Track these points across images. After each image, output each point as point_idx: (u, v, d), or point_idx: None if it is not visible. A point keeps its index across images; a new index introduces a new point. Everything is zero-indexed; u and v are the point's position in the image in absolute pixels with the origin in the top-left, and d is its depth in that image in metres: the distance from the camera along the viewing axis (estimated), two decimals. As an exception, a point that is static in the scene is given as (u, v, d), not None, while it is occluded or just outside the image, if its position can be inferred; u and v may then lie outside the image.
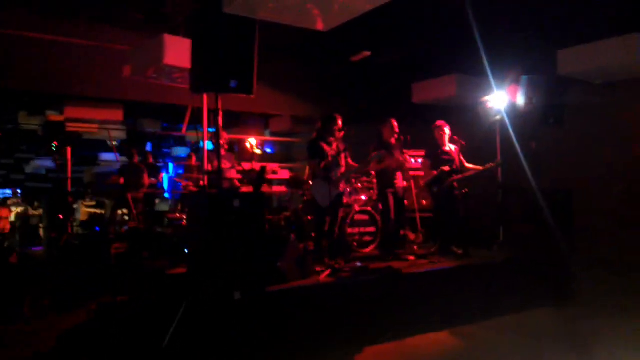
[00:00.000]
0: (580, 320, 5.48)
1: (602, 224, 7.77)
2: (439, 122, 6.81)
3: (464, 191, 6.66)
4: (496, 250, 6.87)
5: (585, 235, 7.23)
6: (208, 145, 6.05)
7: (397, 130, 6.44)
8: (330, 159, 5.82)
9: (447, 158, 6.65)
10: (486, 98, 7.46)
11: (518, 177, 7.15)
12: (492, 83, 8.05)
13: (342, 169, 5.89)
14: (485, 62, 7.39)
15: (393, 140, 6.48)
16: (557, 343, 4.85)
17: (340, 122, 5.91)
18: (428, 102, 8.76)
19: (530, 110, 7.02)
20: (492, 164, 6.60)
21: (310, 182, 5.84)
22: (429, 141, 6.92)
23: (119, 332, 4.53)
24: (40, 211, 10.73)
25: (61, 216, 7.73)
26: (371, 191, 7.37)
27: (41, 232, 9.82)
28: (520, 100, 7.09)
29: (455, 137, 6.83)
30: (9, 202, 12.61)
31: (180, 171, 12.34)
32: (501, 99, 7.20)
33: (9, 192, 15.02)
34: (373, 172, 6.79)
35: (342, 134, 5.87)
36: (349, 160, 6.09)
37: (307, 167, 7.17)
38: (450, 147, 6.76)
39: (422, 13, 7.05)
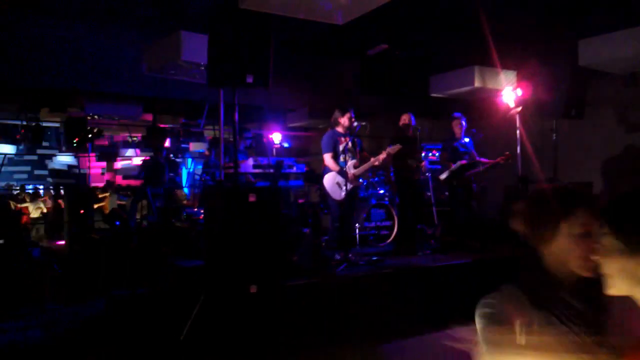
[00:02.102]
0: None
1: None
2: (456, 114, 6.76)
3: (482, 184, 6.61)
4: (515, 245, 6.80)
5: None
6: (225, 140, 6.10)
7: (412, 123, 6.41)
8: (343, 152, 5.80)
9: (464, 150, 6.60)
10: (505, 90, 7.37)
11: (537, 170, 7.06)
12: (511, 75, 7.95)
13: (356, 163, 5.86)
14: (504, 54, 7.30)
15: (409, 134, 6.45)
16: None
17: (352, 115, 5.87)
18: (446, 95, 8.68)
19: (551, 102, 6.91)
20: (502, 158, 6.54)
21: (324, 176, 5.82)
22: (446, 133, 6.88)
23: (137, 324, 4.61)
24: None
25: (82, 211, 7.87)
26: (388, 185, 7.35)
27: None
28: (541, 91, 6.98)
29: (472, 130, 6.78)
30: (41, 196, 12.89)
31: (199, 166, 12.46)
32: (521, 91, 7.10)
33: (40, 187, 15.35)
34: (390, 166, 6.76)
35: (356, 127, 5.83)
36: (364, 154, 6.06)
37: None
38: (466, 139, 6.72)
39: (439, 4, 6.98)
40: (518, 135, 7.18)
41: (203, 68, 6.06)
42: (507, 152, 6.60)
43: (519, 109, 7.14)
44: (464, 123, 6.69)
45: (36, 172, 17.99)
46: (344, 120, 5.86)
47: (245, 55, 4.53)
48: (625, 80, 7.78)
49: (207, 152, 10.52)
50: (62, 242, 9.06)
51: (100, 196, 11.14)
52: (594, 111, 7.29)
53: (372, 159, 5.88)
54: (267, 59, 4.63)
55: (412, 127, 6.44)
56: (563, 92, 6.66)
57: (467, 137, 6.74)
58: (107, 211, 10.69)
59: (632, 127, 7.93)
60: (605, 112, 8.09)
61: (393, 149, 5.82)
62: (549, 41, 7.38)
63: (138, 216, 8.80)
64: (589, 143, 8.19)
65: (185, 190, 12.48)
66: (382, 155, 5.79)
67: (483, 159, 6.68)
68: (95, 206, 10.21)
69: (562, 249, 1.38)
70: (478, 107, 8.09)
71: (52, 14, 6.97)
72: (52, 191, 13.22)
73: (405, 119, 6.49)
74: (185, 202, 11.02)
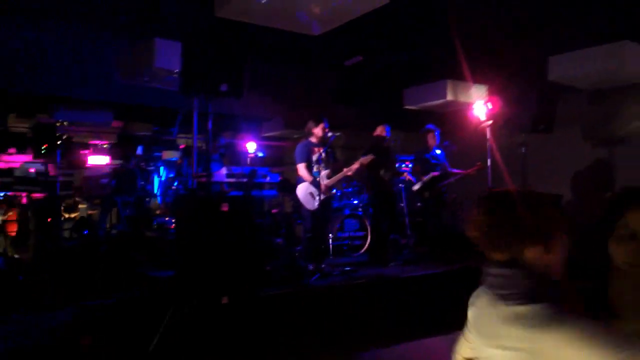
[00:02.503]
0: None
1: (589, 230, 7.82)
2: (429, 126, 6.86)
3: (453, 196, 6.71)
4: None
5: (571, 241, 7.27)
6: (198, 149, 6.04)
7: (388, 135, 6.47)
8: (316, 162, 5.80)
9: (436, 162, 6.69)
10: (477, 103, 7.51)
11: (507, 182, 7.19)
12: (482, 89, 8.11)
13: (329, 173, 5.86)
14: (476, 68, 7.45)
15: (384, 145, 6.51)
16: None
17: (325, 125, 5.87)
18: (419, 107, 8.80)
19: (520, 116, 7.06)
20: (474, 168, 6.65)
21: (298, 186, 5.81)
22: (419, 145, 6.96)
23: (105, 335, 4.49)
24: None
25: (50, 219, 7.66)
26: (362, 195, 7.38)
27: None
28: (511, 106, 7.13)
29: (445, 142, 6.88)
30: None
31: (171, 174, 12.28)
32: (492, 105, 7.25)
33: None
34: (363, 175, 6.79)
35: (330, 137, 5.84)
36: (338, 164, 6.06)
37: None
38: (437, 151, 6.82)
39: (414, 18, 7.09)
40: (488, 148, 7.32)
41: (176, 75, 6.01)
42: (479, 163, 6.72)
43: (490, 122, 7.28)
44: (437, 135, 6.79)
45: (1, 179, 17.46)
46: (318, 131, 5.86)
47: (219, 64, 4.51)
48: (592, 96, 8.02)
49: (179, 161, 10.40)
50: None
51: (80, 206, 10.87)
52: (562, 126, 7.48)
53: (345, 169, 5.90)
54: (241, 68, 4.63)
55: (387, 139, 6.49)
56: (532, 106, 6.82)
57: (438, 149, 6.83)
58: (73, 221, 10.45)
59: (599, 142, 8.16)
60: (573, 127, 8.31)
61: (366, 159, 5.86)
62: (518, 57, 7.56)
63: (107, 225, 8.62)
64: (558, 156, 8.39)
65: (157, 199, 12.29)
66: (355, 166, 5.82)
67: (455, 170, 6.78)
68: (72, 215, 9.98)
69: (549, 256, 1.38)
70: (450, 120, 8.21)
71: (21, 16, 6.84)
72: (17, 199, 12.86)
73: (380, 130, 6.54)
74: (158, 211, 10.86)
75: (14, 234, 10.27)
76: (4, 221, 10.80)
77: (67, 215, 9.92)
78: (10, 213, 10.76)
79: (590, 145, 8.28)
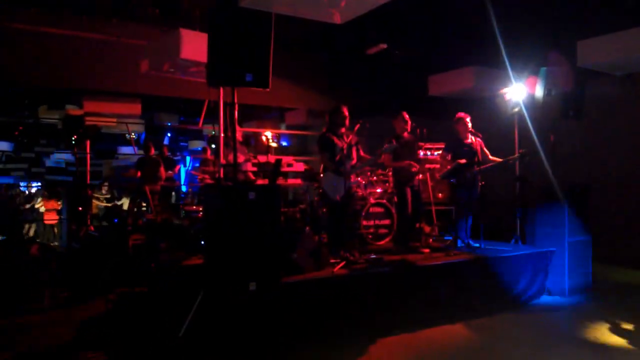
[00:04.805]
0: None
1: (619, 219, 7.68)
2: (461, 114, 6.73)
3: (481, 184, 6.61)
4: (513, 244, 6.83)
5: (602, 230, 7.15)
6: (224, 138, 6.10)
7: (408, 122, 6.41)
8: (340, 151, 5.79)
9: (468, 150, 6.58)
10: (504, 90, 7.39)
11: (536, 170, 7.09)
12: (510, 75, 7.97)
13: (353, 162, 5.85)
14: (504, 54, 7.32)
15: (406, 134, 6.46)
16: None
17: (346, 113, 5.82)
18: (445, 95, 8.71)
19: (549, 103, 6.92)
20: (514, 156, 6.55)
21: (322, 176, 5.82)
22: (450, 134, 6.85)
23: (136, 323, 4.61)
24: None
25: (81, 208, 7.86)
26: (387, 184, 7.36)
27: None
28: (539, 92, 6.99)
29: (473, 130, 6.77)
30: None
31: (197, 164, 12.44)
32: (519, 91, 7.12)
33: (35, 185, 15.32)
34: (388, 164, 6.76)
35: (355, 126, 5.82)
36: (361, 153, 6.05)
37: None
38: (472, 139, 6.68)
39: (439, 4, 7.00)
40: (516, 136, 7.21)
41: (202, 66, 6.07)
42: (521, 149, 6.60)
43: (517, 109, 7.16)
44: (469, 122, 6.64)
45: (33, 169, 17.92)
46: (340, 120, 5.84)
47: (244, 54, 4.53)
48: (622, 81, 7.82)
49: (205, 150, 10.53)
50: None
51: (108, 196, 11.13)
52: (592, 112, 7.31)
53: (369, 158, 5.88)
54: (266, 58, 4.63)
55: (409, 127, 6.44)
56: (561, 93, 6.68)
57: (473, 136, 6.70)
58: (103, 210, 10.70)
59: (629, 128, 7.97)
60: (603, 113, 8.12)
61: (390, 148, 5.83)
62: (547, 42, 7.41)
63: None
64: (587, 144, 8.22)
65: (183, 188, 12.48)
66: (379, 155, 5.79)
67: (493, 158, 6.64)
68: (102, 204, 10.23)
69: None
70: (476, 107, 8.11)
71: (52, 11, 6.97)
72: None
73: (400, 118, 6.49)
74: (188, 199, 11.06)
75: (52, 222, 10.57)
76: (46, 210, 11.13)
77: (98, 204, 10.17)
78: (52, 202, 11.02)
79: (621, 131, 8.09)
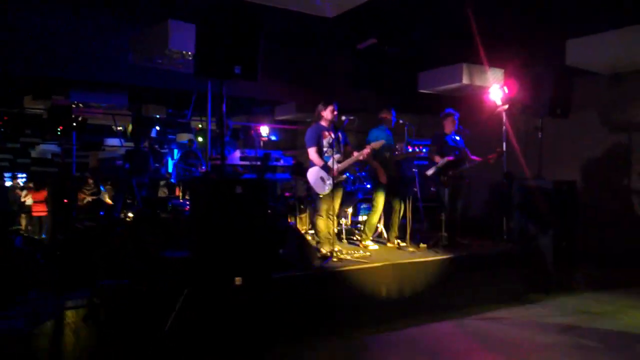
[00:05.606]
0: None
1: (605, 216, 7.76)
2: (448, 110, 6.77)
3: (466, 182, 6.65)
4: (499, 241, 6.88)
5: (588, 227, 7.22)
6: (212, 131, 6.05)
7: (394, 119, 6.42)
8: (327, 146, 5.78)
9: (454, 146, 6.61)
10: (493, 87, 7.42)
11: (522, 167, 7.13)
12: (499, 72, 8.00)
13: (340, 157, 5.84)
14: (493, 52, 7.34)
15: (391, 128, 6.48)
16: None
17: (335, 108, 5.80)
18: (434, 92, 8.72)
19: (537, 101, 6.96)
20: (493, 155, 6.58)
21: (309, 170, 5.80)
22: (436, 129, 6.88)
23: (121, 316, 4.56)
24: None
25: (66, 200, 7.76)
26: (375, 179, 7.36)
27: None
28: (527, 90, 7.03)
29: (460, 127, 6.80)
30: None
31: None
32: (508, 89, 7.16)
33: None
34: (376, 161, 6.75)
35: (344, 121, 5.80)
36: (348, 148, 6.03)
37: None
38: (456, 136, 6.74)
39: (429, 1, 6.99)
40: (504, 133, 7.25)
41: (190, 57, 6.01)
42: (499, 149, 6.64)
43: (506, 106, 7.20)
44: (456, 119, 6.69)
45: (18, 160, 17.68)
46: (327, 114, 5.80)
47: (233, 46, 4.48)
48: (610, 80, 7.88)
49: (191, 144, 10.47)
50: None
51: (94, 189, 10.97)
52: (579, 110, 7.36)
53: (356, 154, 5.87)
54: (256, 51, 4.59)
55: (393, 122, 6.44)
56: (549, 91, 6.72)
57: (457, 135, 6.75)
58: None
59: (616, 127, 8.04)
60: (590, 112, 8.19)
61: (377, 143, 5.83)
62: (536, 40, 7.44)
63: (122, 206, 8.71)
64: (574, 141, 8.28)
65: (171, 180, 12.38)
66: (367, 150, 5.79)
67: (474, 157, 6.69)
68: (90, 199, 10.09)
69: None
70: (465, 104, 8.13)
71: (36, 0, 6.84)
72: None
73: (385, 113, 6.49)
74: (177, 191, 10.97)
75: (41, 214, 10.40)
76: (34, 202, 10.96)
77: (83, 197, 10.05)
78: (42, 193, 10.81)
79: (608, 130, 8.16)
